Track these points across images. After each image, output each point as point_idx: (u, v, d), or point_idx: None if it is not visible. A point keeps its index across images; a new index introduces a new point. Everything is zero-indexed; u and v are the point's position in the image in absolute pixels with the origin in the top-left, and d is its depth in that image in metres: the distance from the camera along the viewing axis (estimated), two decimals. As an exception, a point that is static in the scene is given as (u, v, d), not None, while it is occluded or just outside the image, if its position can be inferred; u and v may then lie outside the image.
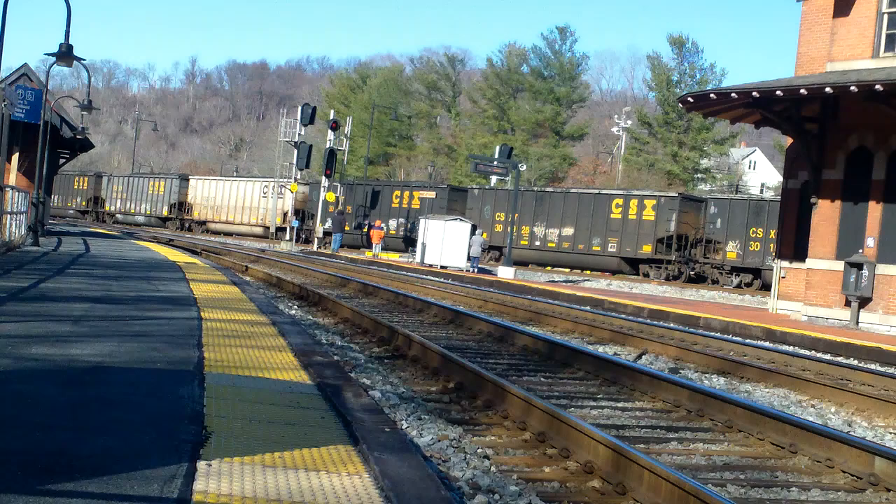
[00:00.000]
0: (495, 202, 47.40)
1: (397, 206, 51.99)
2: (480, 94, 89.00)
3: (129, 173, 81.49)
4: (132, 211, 70.56)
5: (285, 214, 55.57)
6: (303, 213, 56.68)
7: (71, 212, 75.30)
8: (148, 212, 68.88)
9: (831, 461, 7.00)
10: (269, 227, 59.15)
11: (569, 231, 44.21)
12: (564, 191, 47.16)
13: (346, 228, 51.55)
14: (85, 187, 75.27)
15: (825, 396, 10.62)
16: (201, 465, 4.28)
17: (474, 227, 39.33)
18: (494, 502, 5.55)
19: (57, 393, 5.63)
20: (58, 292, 11.90)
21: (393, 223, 51.90)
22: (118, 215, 71.36)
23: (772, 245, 36.84)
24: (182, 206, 67.04)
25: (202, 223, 64.65)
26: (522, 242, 45.42)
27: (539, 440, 7.06)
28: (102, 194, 74.37)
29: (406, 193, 51.90)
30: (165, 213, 67.55)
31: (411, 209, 50.94)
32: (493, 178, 47.95)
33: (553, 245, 44.72)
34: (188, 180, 68.33)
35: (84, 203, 75.28)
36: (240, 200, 60.95)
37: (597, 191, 45.49)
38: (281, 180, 58.61)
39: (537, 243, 45.39)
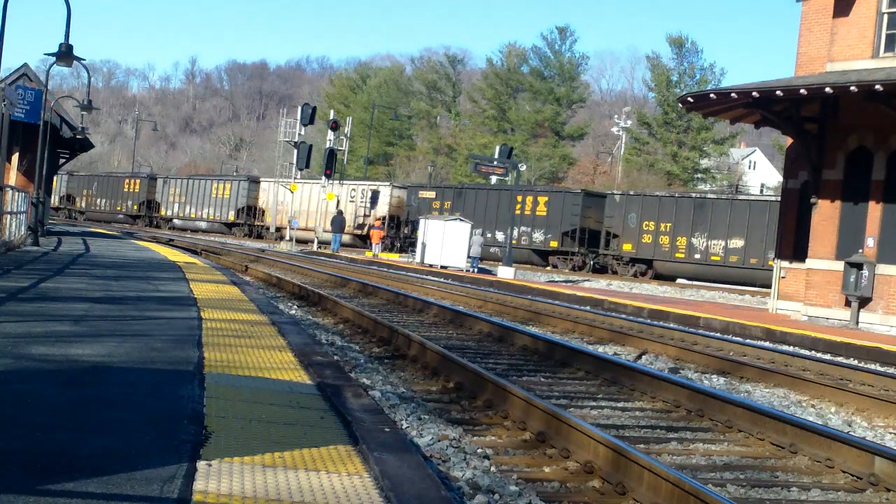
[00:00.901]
0: (641, 209, 42.10)
1: (519, 212, 44.51)
2: (480, 94, 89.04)
3: (187, 175, 76.39)
4: (192, 216, 65.76)
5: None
6: (397, 219, 51.94)
7: (120, 216, 71.32)
8: (211, 217, 63.69)
9: (831, 461, 7.00)
10: (358, 235, 53.79)
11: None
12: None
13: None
14: (136, 190, 70.68)
15: (825, 396, 10.62)
16: (201, 465, 4.28)
17: (474, 227, 39.36)
18: (494, 502, 5.55)
19: (57, 393, 5.63)
20: (57, 292, 11.90)
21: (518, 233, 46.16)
22: (175, 220, 66.60)
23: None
24: (251, 210, 61.79)
25: (278, 230, 57.89)
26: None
27: (539, 440, 7.06)
28: (157, 197, 69.59)
29: (529, 198, 45.89)
30: (232, 218, 62.49)
31: (536, 216, 45.55)
32: (493, 178, 47.90)
33: None
34: (258, 182, 63.10)
35: (136, 207, 70.58)
36: (322, 205, 53.52)
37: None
38: (374, 183, 54.29)
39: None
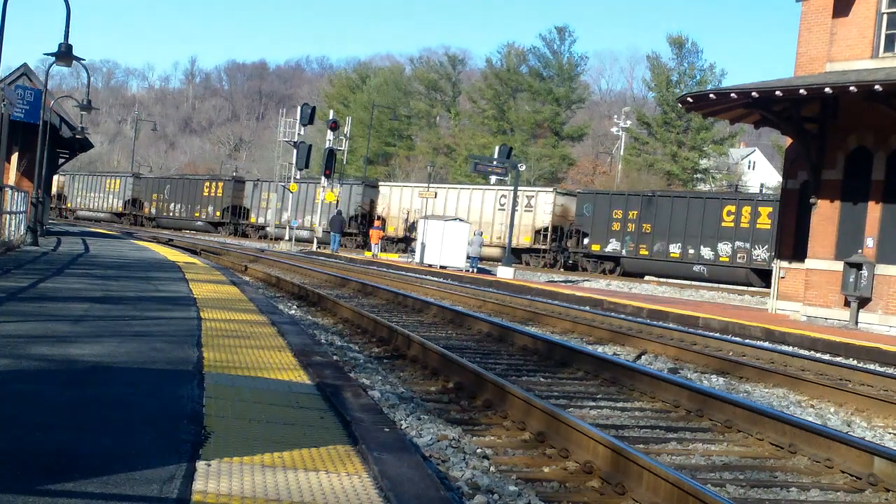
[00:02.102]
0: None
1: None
2: (480, 94, 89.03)
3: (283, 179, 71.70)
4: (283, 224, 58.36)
5: (539, 232, 45.01)
6: (561, 230, 45.61)
7: (199, 223, 65.18)
8: (313, 225, 54.96)
9: (830, 461, 7.00)
10: (519, 246, 46.43)
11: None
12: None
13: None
14: (219, 194, 63.93)
15: (824, 396, 10.62)
16: (201, 465, 4.28)
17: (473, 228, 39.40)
18: (494, 502, 5.55)
19: (56, 393, 5.63)
20: (57, 292, 11.90)
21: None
22: (269, 229, 58.63)
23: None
24: (367, 218, 54.46)
25: (404, 240, 51.13)
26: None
27: (538, 440, 7.06)
28: (245, 203, 62.71)
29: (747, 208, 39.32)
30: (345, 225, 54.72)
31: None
32: (493, 178, 47.89)
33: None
34: (376, 187, 55.26)
35: (218, 213, 63.96)
36: (453, 213, 46.96)
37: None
38: (532, 189, 48.16)
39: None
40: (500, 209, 47.05)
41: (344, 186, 54.99)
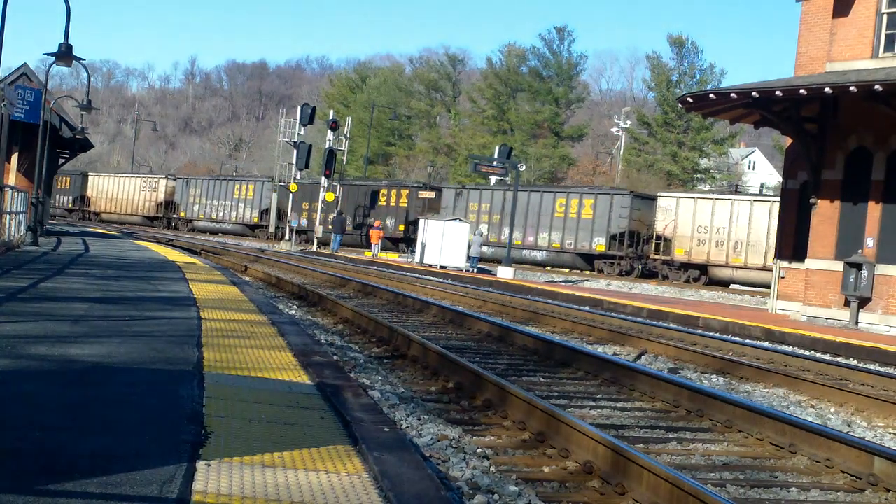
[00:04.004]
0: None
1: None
2: (480, 94, 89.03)
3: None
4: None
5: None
6: (637, 235, 42.65)
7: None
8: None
9: (831, 461, 7.00)
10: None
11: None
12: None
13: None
14: (403, 203, 52.87)
15: (824, 396, 10.62)
16: (201, 465, 4.28)
17: (397, 223, 39.38)
18: (494, 502, 5.55)
19: (56, 393, 5.63)
20: (57, 292, 11.90)
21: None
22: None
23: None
24: (636, 238, 46.26)
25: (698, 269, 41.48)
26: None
27: (538, 440, 7.06)
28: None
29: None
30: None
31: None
32: (493, 179, 47.88)
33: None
34: (653, 199, 44.87)
35: (402, 227, 52.66)
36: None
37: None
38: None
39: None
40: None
41: (601, 197, 44.09)
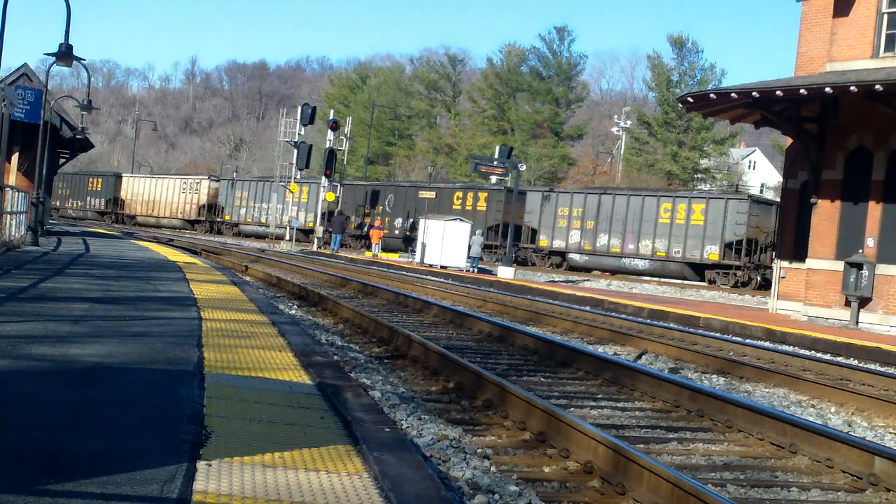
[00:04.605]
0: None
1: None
2: (480, 94, 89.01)
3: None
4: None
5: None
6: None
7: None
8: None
9: (831, 461, 7.00)
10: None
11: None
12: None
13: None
14: (481, 207, 47.26)
15: (825, 396, 10.62)
16: (201, 465, 4.28)
17: (474, 228, 39.37)
18: (494, 502, 5.55)
19: (57, 393, 5.63)
20: (57, 292, 11.90)
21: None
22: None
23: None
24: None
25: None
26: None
27: (539, 440, 7.06)
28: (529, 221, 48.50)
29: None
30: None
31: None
32: (493, 178, 47.81)
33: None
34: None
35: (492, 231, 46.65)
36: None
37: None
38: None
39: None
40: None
41: (714, 202, 40.27)
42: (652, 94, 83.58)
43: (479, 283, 29.07)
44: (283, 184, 55.52)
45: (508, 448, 6.98)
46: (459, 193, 48.53)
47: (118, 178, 73.25)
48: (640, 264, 41.47)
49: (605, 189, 45.75)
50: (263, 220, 59.63)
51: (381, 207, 52.65)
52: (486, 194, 47.27)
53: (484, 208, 46.97)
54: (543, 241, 44.63)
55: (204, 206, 64.80)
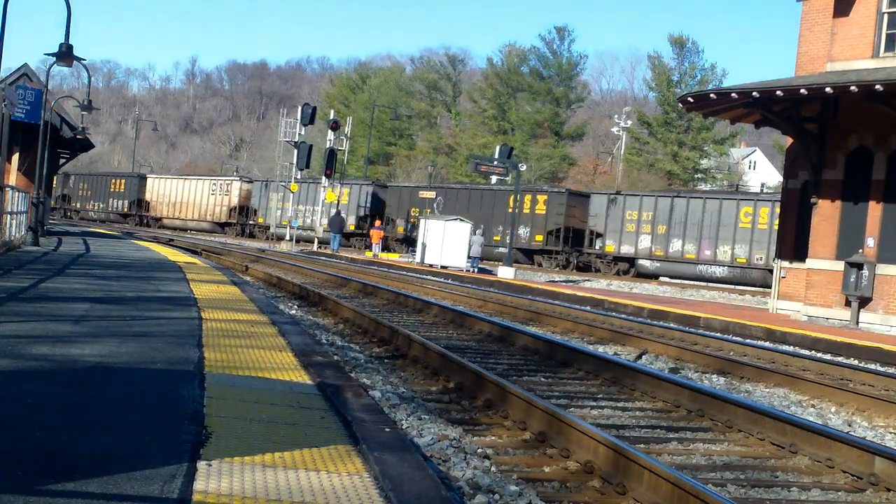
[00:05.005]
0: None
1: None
2: (480, 94, 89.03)
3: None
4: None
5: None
6: None
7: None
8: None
9: (831, 461, 7.00)
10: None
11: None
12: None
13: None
14: (540, 211, 45.58)
15: (825, 396, 10.62)
16: (201, 464, 4.28)
17: (474, 227, 39.35)
18: (494, 502, 5.55)
19: (57, 393, 5.63)
20: (58, 292, 11.90)
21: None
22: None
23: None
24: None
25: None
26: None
27: (539, 440, 7.06)
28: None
29: None
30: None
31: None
32: (493, 178, 47.76)
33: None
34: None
35: (539, 237, 45.83)
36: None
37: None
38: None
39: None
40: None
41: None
42: (652, 94, 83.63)
43: (479, 283, 29.07)
44: (326, 185, 51.44)
45: (509, 448, 6.98)
46: (530, 196, 46.47)
47: (143, 179, 71.14)
48: (718, 271, 39.79)
49: (678, 192, 44.73)
50: (302, 223, 55.39)
51: (428, 210, 49.45)
52: (545, 196, 45.87)
53: (543, 211, 45.48)
54: (610, 246, 43.01)
55: (235, 208, 62.83)
